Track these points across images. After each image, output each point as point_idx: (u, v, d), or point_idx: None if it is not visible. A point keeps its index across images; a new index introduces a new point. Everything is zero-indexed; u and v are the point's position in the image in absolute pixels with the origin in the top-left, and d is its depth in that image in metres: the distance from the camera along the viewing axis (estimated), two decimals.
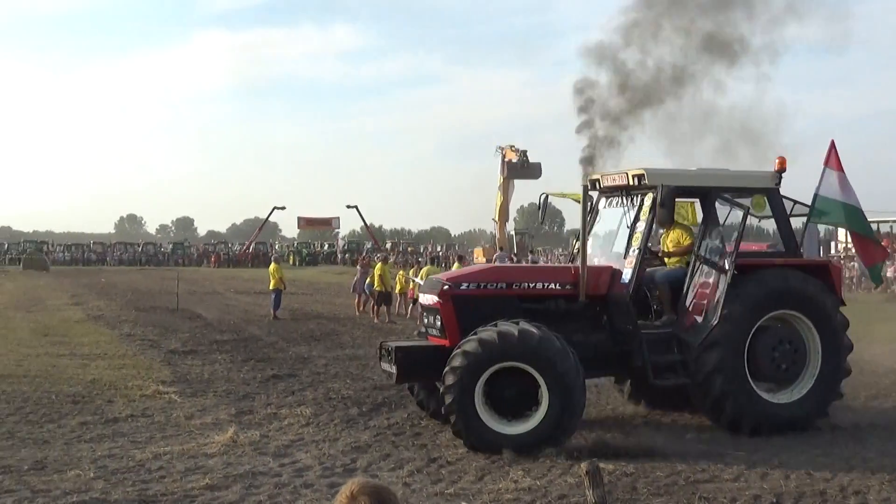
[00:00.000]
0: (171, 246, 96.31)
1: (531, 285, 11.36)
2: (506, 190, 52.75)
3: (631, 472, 9.28)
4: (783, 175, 11.62)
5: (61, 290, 42.21)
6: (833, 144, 12.23)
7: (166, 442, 10.49)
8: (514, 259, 36.07)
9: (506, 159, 52.07)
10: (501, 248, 44.70)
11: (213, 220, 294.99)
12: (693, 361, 10.88)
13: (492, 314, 10.62)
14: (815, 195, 12.04)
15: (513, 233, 59.11)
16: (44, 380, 14.98)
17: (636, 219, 11.61)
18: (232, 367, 16.78)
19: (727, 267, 11.02)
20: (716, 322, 10.81)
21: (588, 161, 11.90)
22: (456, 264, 26.84)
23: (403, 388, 12.58)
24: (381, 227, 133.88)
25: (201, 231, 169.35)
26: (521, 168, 51.44)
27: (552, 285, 11.34)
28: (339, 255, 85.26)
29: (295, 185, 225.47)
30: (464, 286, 11.21)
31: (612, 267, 11.51)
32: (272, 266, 27.80)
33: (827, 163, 12.09)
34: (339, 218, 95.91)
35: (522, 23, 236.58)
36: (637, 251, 11.26)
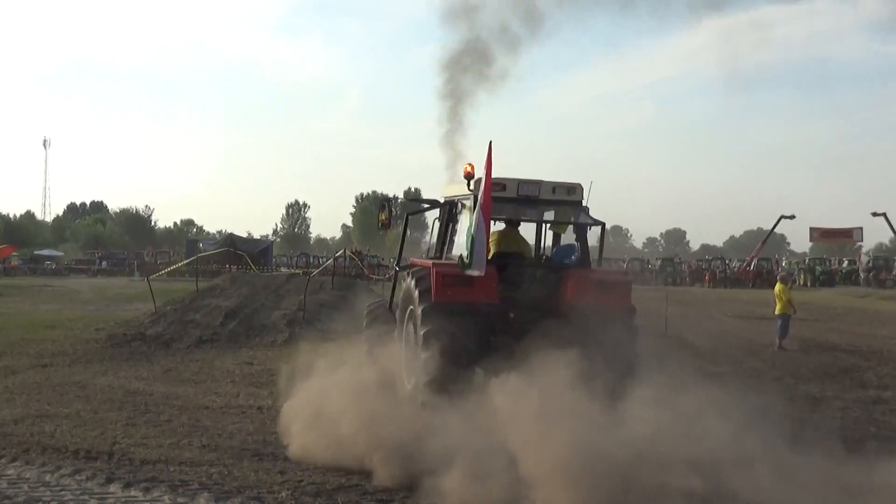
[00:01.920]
0: (658, 262, 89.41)
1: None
2: None
3: None
4: (471, 181, 11.33)
5: None
6: (490, 146, 10.79)
7: None
8: None
9: None
10: None
11: (707, 232, 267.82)
12: None
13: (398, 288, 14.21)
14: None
15: None
16: None
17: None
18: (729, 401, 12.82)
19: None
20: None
21: None
22: None
23: None
24: None
25: (694, 245, 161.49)
26: None
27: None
28: (861, 275, 74.92)
29: (807, 191, 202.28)
30: (398, 269, 14.66)
31: (435, 263, 12.49)
32: (778, 287, 25.03)
33: (486, 167, 10.89)
34: (861, 229, 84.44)
35: None
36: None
